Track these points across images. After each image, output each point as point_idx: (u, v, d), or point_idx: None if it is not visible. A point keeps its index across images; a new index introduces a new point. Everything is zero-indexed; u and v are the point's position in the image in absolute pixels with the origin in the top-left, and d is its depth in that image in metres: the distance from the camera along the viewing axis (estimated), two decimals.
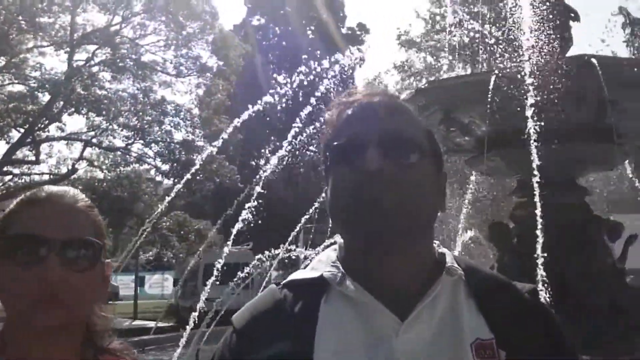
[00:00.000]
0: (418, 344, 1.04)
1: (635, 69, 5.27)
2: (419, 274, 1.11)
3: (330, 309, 1.09)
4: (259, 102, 8.22)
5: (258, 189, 7.48)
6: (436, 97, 5.95)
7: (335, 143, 1.15)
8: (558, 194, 5.70)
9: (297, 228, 9.49)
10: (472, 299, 1.11)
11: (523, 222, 6.06)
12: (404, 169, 1.09)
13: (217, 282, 8.52)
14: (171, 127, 24.77)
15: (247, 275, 10.74)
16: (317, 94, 7.69)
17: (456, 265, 1.15)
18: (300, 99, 36.12)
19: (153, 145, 24.59)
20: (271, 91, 9.87)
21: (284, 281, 1.19)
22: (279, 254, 9.54)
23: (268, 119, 35.12)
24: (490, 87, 5.15)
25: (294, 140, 8.53)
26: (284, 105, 37.55)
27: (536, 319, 1.13)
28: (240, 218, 7.05)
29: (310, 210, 8.87)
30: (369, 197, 1.06)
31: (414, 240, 1.11)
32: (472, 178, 8.35)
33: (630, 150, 6.37)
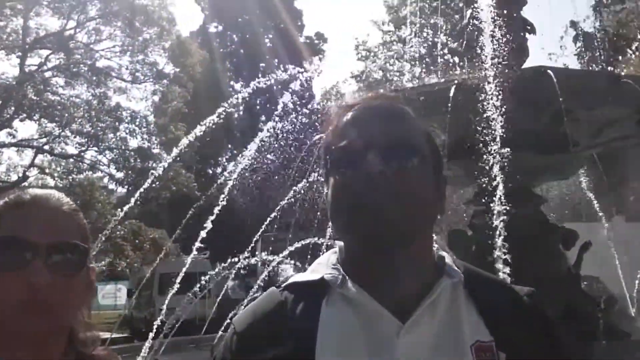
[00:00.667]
0: (419, 346, 1.04)
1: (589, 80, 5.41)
2: (419, 276, 1.12)
3: (331, 311, 1.10)
4: (218, 110, 8.16)
5: (221, 199, 7.40)
6: None
7: (336, 146, 1.15)
8: (514, 202, 5.79)
9: (256, 236, 9.43)
10: (472, 301, 1.12)
11: (481, 230, 6.15)
12: (404, 172, 1.09)
13: (174, 292, 8.39)
14: (126, 134, 24.42)
15: (204, 284, 10.61)
16: (279, 105, 7.70)
17: (456, 268, 1.16)
18: (258, 107, 36.13)
19: (107, 152, 24.19)
20: (231, 100, 9.80)
21: (285, 283, 1.19)
22: (237, 262, 9.44)
23: (231, 124, 34.80)
24: (450, 96, 5.22)
25: (253, 148, 8.51)
26: (241, 112, 37.49)
27: (535, 321, 1.14)
28: (203, 231, 6.96)
29: (269, 219, 8.83)
30: (369, 200, 1.07)
31: (414, 243, 1.11)
32: None
33: (584, 160, 6.53)
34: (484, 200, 6.02)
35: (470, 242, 6.35)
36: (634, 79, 5.49)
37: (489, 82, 5.11)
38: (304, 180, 8.63)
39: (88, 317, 1.31)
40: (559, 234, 6.22)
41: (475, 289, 1.14)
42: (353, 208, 1.09)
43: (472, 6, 6.95)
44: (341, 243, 1.20)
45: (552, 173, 6.72)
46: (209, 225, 6.95)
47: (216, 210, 7.14)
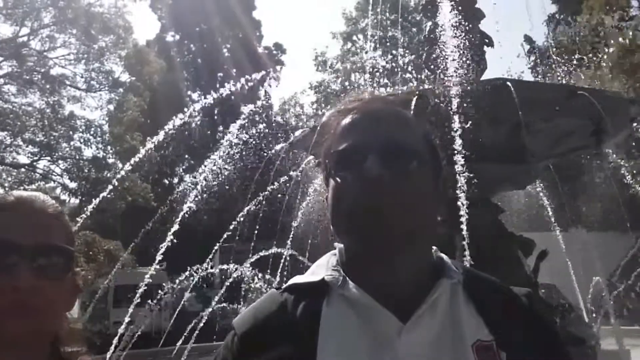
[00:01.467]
0: (420, 345, 1.05)
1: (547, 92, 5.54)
2: (419, 277, 1.13)
3: (332, 312, 1.10)
4: (176, 122, 8.09)
5: (184, 211, 7.31)
6: None
7: (335, 150, 1.16)
8: (473, 211, 5.86)
9: (215, 247, 9.33)
10: (471, 301, 1.13)
11: (441, 239, 6.21)
12: (403, 176, 1.10)
13: (129, 304, 8.22)
14: (80, 143, 24.02)
15: (161, 297, 10.43)
16: (238, 117, 7.68)
17: (455, 268, 1.17)
18: (217, 117, 35.86)
19: (60, 162, 23.73)
20: (189, 111, 9.72)
21: (285, 285, 1.19)
22: (195, 274, 9.31)
23: (189, 134, 34.46)
24: (412, 107, 5.25)
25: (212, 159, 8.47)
26: (199, 122, 37.16)
27: (534, 321, 1.16)
28: (164, 243, 6.85)
29: (229, 230, 8.74)
30: (369, 204, 1.08)
31: (414, 245, 1.12)
32: None
33: (541, 170, 6.66)
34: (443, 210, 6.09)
35: None
36: (589, 91, 5.64)
37: (449, 94, 5.18)
38: (266, 190, 8.61)
39: (73, 322, 1.27)
40: (517, 242, 6.32)
41: (474, 290, 1.15)
42: (352, 211, 1.10)
43: (432, 19, 7.05)
44: (340, 245, 1.21)
45: (510, 183, 6.83)
46: (169, 237, 6.85)
47: (177, 221, 7.06)
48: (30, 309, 1.09)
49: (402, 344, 1.04)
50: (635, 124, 6.12)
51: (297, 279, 1.20)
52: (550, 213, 7.17)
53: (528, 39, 26.78)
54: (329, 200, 1.17)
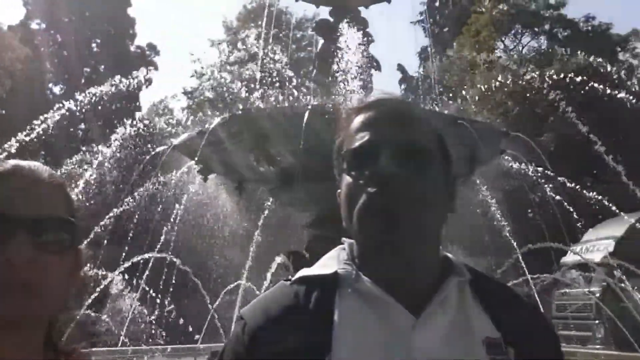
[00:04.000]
0: (433, 340, 1.07)
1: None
2: (429, 273, 1.15)
3: (345, 305, 1.11)
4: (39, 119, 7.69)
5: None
6: (248, 125, 5.99)
7: (349, 147, 1.16)
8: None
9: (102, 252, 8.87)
10: (478, 299, 1.16)
11: (318, 254, 6.27)
12: (417, 174, 1.11)
13: None
14: None
15: None
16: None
17: (462, 267, 1.20)
18: (79, 114, 34.07)
19: None
20: (52, 114, 9.27)
21: (295, 277, 1.19)
22: None
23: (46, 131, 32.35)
24: (304, 121, 5.30)
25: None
26: (59, 118, 35.09)
27: (537, 319, 1.22)
28: None
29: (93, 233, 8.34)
30: (382, 202, 1.08)
31: (425, 242, 1.14)
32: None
33: None
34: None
35: (307, 265, 6.45)
36: (469, 121, 6.00)
37: (342, 110, 5.29)
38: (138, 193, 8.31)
39: (71, 307, 1.16)
40: None
41: (480, 288, 1.18)
42: (366, 209, 1.10)
43: (324, 37, 7.19)
44: (350, 240, 1.21)
45: None
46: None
47: None
48: (29, 286, 0.97)
49: (416, 338, 1.06)
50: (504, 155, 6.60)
51: (307, 271, 1.20)
52: None
53: (401, 68, 28.14)
54: (342, 197, 1.17)
